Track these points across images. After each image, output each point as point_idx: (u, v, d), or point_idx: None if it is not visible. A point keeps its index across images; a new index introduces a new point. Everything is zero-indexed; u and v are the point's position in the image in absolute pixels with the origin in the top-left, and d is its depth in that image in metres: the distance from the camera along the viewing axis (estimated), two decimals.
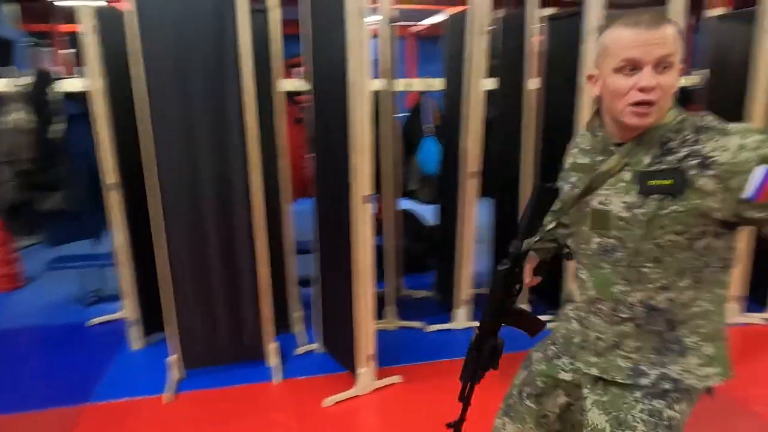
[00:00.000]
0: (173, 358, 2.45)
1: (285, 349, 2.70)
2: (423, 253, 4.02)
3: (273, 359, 2.54)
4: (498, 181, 3.29)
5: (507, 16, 3.04)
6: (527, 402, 1.33)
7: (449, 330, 2.99)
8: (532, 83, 2.91)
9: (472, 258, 2.92)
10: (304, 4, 2.34)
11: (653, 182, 1.01)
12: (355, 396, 2.36)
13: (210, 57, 2.20)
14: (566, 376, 1.26)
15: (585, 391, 1.20)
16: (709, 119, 1.01)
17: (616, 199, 1.05)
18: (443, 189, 3.29)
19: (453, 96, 2.96)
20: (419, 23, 9.55)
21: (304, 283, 3.10)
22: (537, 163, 3.21)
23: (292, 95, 3.16)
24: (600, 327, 1.14)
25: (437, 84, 3.17)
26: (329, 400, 2.30)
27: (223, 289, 2.46)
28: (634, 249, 1.04)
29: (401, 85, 3.11)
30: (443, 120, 3.43)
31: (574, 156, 1.23)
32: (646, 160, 1.03)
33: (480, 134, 2.76)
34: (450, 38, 3.00)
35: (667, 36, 0.96)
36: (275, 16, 2.50)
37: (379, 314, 2.64)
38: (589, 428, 1.14)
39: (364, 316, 2.30)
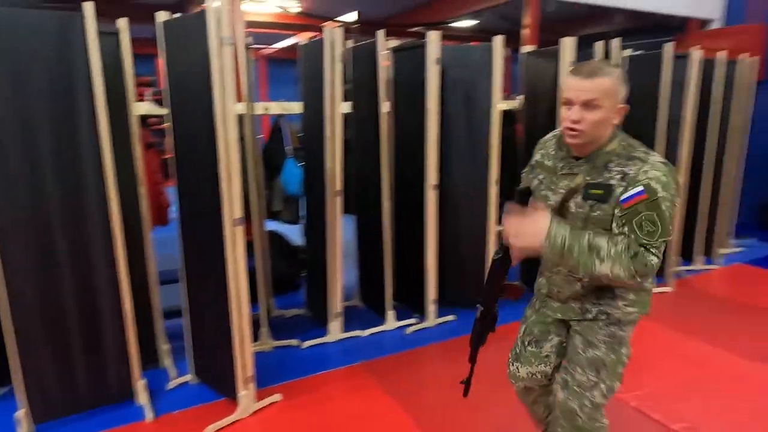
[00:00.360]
0: (21, 413, 2.19)
1: (156, 385, 2.56)
2: (291, 273, 4.08)
3: (143, 397, 2.40)
4: (358, 198, 3.51)
5: (356, 47, 3.30)
6: (529, 348, 1.72)
7: (324, 344, 3.09)
8: (385, 107, 3.18)
9: (341, 273, 3.07)
10: (159, 28, 2.31)
11: (591, 191, 1.43)
12: (237, 420, 2.34)
13: (57, 83, 2.06)
14: (551, 319, 1.67)
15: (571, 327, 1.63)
16: (640, 150, 1.42)
17: (577, 200, 1.47)
18: (309, 208, 3.40)
19: (312, 119, 3.11)
20: (270, 46, 9.59)
21: (168, 314, 2.97)
22: (392, 181, 3.49)
23: (143, 119, 3.03)
24: (559, 284, 1.60)
25: (295, 107, 3.30)
26: (209, 429, 2.25)
27: (81, 329, 2.27)
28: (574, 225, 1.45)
29: (260, 108, 3.17)
30: (303, 142, 3.56)
31: (541, 156, 1.63)
32: (592, 174, 1.44)
33: (341, 155, 2.94)
34: (306, 63, 3.16)
35: (595, 85, 1.35)
36: (126, 39, 2.41)
37: (254, 336, 2.63)
38: (571, 352, 1.61)
39: (242, 337, 2.30)
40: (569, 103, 1.39)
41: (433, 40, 2.99)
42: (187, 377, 2.64)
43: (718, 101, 4.33)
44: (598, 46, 3.43)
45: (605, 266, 1.34)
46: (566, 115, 1.40)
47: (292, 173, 3.70)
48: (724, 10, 6.30)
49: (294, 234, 4.39)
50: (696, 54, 3.88)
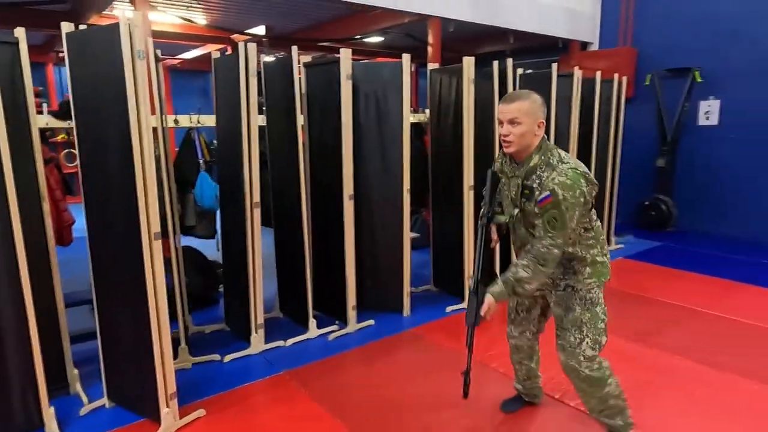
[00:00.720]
0: None
1: (67, 412, 2.42)
2: (208, 288, 3.99)
3: (51, 425, 2.27)
4: (276, 210, 3.54)
5: (269, 62, 3.36)
6: (521, 315, 2.26)
7: (247, 356, 3.08)
8: (300, 120, 3.26)
9: (261, 284, 3.09)
10: (64, 39, 2.23)
11: (524, 190, 1.91)
12: None
13: None
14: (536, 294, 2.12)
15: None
16: (555, 159, 1.87)
17: (511, 194, 1.99)
18: (225, 222, 3.38)
19: (227, 131, 3.11)
20: (175, 57, 9.25)
21: (76, 338, 2.82)
22: (309, 192, 3.57)
23: (42, 132, 2.87)
24: None
25: (207, 120, 3.28)
26: None
27: None
28: (523, 224, 1.98)
29: (170, 121, 3.12)
30: (216, 155, 3.53)
31: (500, 164, 2.05)
32: (526, 176, 1.90)
33: (257, 167, 2.97)
34: (219, 76, 3.16)
35: (516, 107, 1.84)
36: (24, 49, 2.30)
37: (173, 354, 2.57)
38: (558, 321, 2.05)
39: (163, 354, 2.26)
40: (501, 122, 1.87)
41: (345, 57, 3.13)
42: (102, 401, 2.52)
43: (596, 116, 4.89)
44: (495, 65, 3.76)
45: (533, 282, 1.88)
46: (500, 131, 1.89)
47: (207, 186, 3.64)
48: (599, 34, 7.10)
49: (208, 249, 4.31)
50: (577, 73, 4.37)
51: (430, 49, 5.66)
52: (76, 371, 2.63)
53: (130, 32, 2.01)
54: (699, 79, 6.14)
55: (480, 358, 3.04)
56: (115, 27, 2.00)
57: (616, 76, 5.19)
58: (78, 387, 2.62)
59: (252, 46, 2.84)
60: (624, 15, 6.82)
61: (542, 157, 1.88)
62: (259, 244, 3.03)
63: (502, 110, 1.87)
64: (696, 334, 3.38)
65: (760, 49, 5.70)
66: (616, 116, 5.30)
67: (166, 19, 6.26)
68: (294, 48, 3.08)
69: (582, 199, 1.82)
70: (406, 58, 3.39)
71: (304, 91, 3.43)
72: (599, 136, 5.01)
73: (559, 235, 1.80)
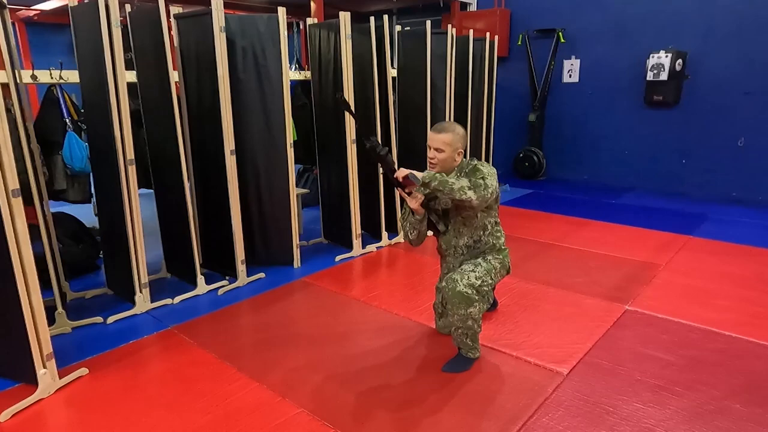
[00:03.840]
0: None
1: None
2: (87, 255, 3.83)
3: None
4: (155, 170, 3.46)
5: (134, 11, 3.20)
6: (448, 274, 2.49)
7: (133, 316, 3.06)
8: (174, 76, 3.18)
9: (142, 242, 3.05)
10: None
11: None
12: (38, 401, 2.25)
13: None
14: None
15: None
16: (472, 165, 2.37)
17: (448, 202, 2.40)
18: (98, 184, 3.25)
19: (93, 89, 2.96)
20: (30, 8, 8.27)
21: None
22: (189, 149, 3.52)
23: None
24: (452, 260, 2.53)
25: (70, 76, 3.08)
26: (5, 414, 2.14)
27: None
28: (454, 222, 2.44)
29: (27, 76, 2.90)
30: (84, 114, 3.34)
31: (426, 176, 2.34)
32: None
33: (129, 125, 2.88)
34: (79, 29, 2.97)
35: (441, 138, 2.31)
36: None
37: (49, 321, 2.50)
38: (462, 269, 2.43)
39: (34, 315, 2.21)
40: (429, 147, 2.33)
41: (217, 8, 3.08)
42: None
43: (471, 72, 5.22)
44: (372, 20, 3.88)
45: (454, 193, 2.19)
46: (428, 154, 2.35)
47: (76, 148, 3.45)
48: None
49: (87, 216, 4.11)
50: (451, 31, 4.63)
51: (312, 4, 5.64)
52: None
53: None
54: (562, 40, 6.74)
55: (363, 299, 3.29)
56: None
57: (487, 35, 5.55)
58: None
59: None
60: None
61: (461, 167, 2.41)
62: (137, 202, 2.98)
63: (431, 138, 2.33)
64: (550, 263, 3.89)
65: (611, 12, 6.36)
66: (489, 74, 5.69)
67: None
68: None
69: (496, 181, 2.32)
70: (281, 11, 3.40)
71: (177, 45, 3.33)
72: (474, 92, 5.37)
73: (489, 184, 2.25)
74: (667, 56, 5.80)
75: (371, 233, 4.39)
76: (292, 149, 3.67)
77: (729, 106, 5.77)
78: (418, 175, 2.21)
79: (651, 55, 5.93)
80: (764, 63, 5.48)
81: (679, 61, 5.82)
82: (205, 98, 3.34)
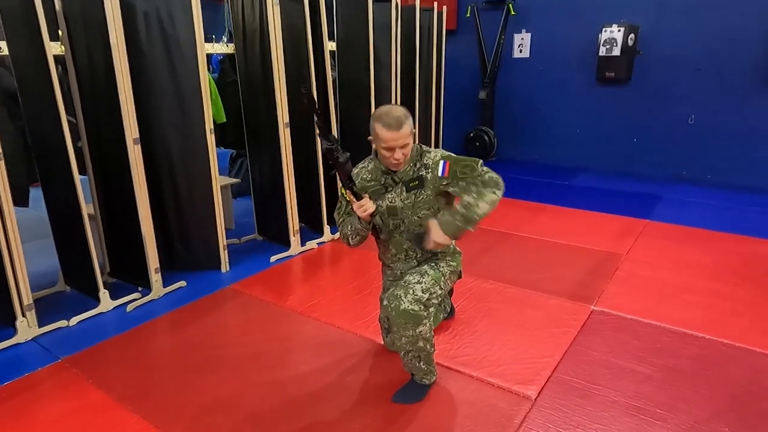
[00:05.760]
0: None
1: None
2: None
3: None
4: (41, 165, 2.84)
5: None
6: (394, 284, 2.15)
7: (15, 345, 2.50)
8: (55, 48, 2.56)
9: (21, 253, 2.47)
10: None
11: (411, 184, 2.00)
12: None
13: None
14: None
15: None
16: (425, 148, 2.04)
17: (398, 199, 2.02)
18: None
19: None
20: None
21: None
22: (84, 138, 2.93)
23: None
24: (401, 266, 2.16)
25: None
26: None
27: None
28: (409, 222, 2.04)
29: None
30: None
31: (360, 181, 2.04)
32: (407, 176, 2.00)
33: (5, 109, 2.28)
34: None
35: (402, 133, 1.87)
36: None
37: None
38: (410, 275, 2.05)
39: None
40: (392, 149, 1.89)
41: None
42: None
43: (418, 45, 4.78)
44: None
45: (484, 206, 1.91)
46: (390, 155, 1.91)
47: None
48: None
49: None
50: (395, 0, 4.15)
51: None
52: None
53: None
54: (513, 12, 6.38)
55: (300, 310, 2.85)
56: None
57: (435, 5, 5.11)
58: None
59: None
60: None
61: (416, 153, 2.02)
62: (10, 205, 2.40)
63: (391, 137, 1.87)
64: (508, 256, 3.57)
65: None
66: (438, 48, 5.28)
67: None
68: None
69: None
70: None
71: (59, 9, 2.70)
72: (422, 68, 4.95)
73: (485, 167, 1.98)
74: (620, 30, 5.57)
75: (311, 226, 3.93)
76: (213, 134, 3.13)
77: (680, 83, 5.62)
78: (438, 226, 1.94)
79: (603, 29, 5.68)
80: (715, 39, 5.34)
81: (632, 35, 5.61)
82: (97, 75, 2.74)
